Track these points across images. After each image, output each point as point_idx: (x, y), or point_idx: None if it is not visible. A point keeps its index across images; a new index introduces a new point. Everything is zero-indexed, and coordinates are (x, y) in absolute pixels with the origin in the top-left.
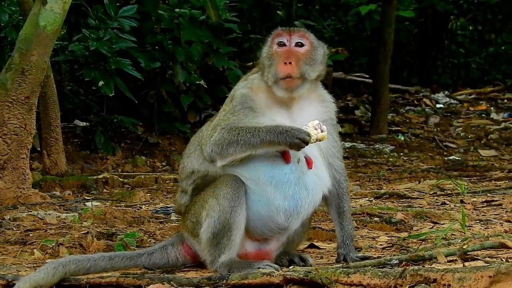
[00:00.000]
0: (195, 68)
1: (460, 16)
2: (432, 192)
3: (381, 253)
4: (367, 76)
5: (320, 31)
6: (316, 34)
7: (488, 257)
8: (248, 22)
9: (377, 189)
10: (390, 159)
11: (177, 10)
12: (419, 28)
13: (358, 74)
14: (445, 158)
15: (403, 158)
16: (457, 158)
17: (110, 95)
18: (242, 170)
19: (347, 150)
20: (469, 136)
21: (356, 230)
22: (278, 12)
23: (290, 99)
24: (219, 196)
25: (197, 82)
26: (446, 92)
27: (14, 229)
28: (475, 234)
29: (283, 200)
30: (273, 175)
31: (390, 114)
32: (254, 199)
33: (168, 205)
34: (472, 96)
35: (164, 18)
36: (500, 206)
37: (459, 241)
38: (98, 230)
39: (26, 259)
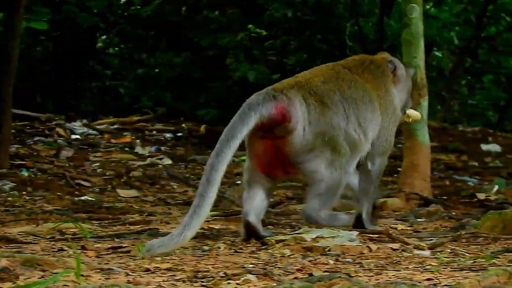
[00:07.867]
0: None
1: (108, 32)
2: (49, 237)
3: None
4: None
5: None
6: None
7: None
8: None
9: None
10: (9, 199)
11: None
12: (55, 43)
13: None
14: (76, 198)
15: (25, 198)
16: (90, 199)
17: None
18: None
19: None
20: (107, 173)
21: None
22: None
23: None
24: None
25: None
26: (85, 121)
27: None
28: (91, 284)
29: None
30: None
31: (15, 146)
32: None
33: None
34: (116, 126)
35: None
36: (127, 254)
37: None
38: None
39: None
